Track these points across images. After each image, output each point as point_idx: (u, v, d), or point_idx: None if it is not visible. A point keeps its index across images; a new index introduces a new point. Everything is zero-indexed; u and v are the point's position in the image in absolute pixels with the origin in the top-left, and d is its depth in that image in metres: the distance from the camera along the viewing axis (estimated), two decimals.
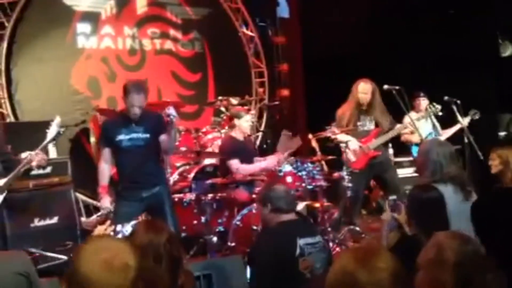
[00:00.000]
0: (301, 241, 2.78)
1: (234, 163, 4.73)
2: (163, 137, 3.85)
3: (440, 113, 5.34)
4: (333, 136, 5.12)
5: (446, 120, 5.60)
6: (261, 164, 4.81)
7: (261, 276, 2.78)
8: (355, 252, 1.50)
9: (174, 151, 4.40)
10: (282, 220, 2.95)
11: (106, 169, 3.90)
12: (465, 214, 2.85)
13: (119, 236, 2.34)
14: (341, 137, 5.10)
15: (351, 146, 5.07)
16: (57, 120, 3.64)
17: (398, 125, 5.24)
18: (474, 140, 5.17)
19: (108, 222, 2.40)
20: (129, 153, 3.80)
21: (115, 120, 4.01)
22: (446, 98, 5.33)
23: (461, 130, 5.43)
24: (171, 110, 3.75)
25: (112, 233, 2.35)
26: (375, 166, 5.14)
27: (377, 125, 5.17)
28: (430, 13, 6.87)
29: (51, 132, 3.61)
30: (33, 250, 4.29)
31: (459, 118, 5.36)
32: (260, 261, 2.86)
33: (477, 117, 5.54)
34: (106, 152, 3.90)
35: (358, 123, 5.12)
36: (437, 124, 5.70)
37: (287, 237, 2.82)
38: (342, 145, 5.14)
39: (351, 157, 5.07)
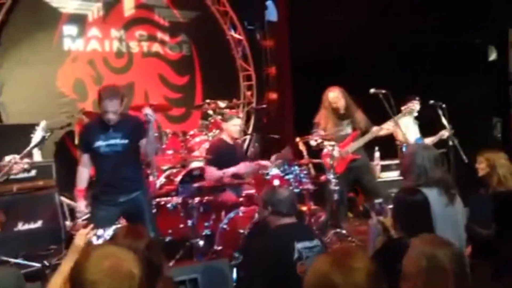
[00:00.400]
0: (299, 245, 2.78)
1: (209, 170, 4.81)
2: (143, 141, 3.83)
3: (415, 114, 5.43)
4: (322, 134, 5.17)
5: (431, 124, 5.64)
6: (234, 169, 4.79)
7: (257, 279, 2.76)
8: (331, 255, 1.52)
9: (154, 154, 4.35)
10: (280, 223, 2.95)
11: (84, 173, 3.88)
12: (450, 217, 2.89)
13: (100, 240, 2.32)
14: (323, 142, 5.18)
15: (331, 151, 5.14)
16: (43, 124, 3.59)
17: (375, 128, 5.29)
18: (459, 143, 5.21)
19: (91, 226, 2.38)
20: (107, 158, 3.78)
21: (94, 126, 3.98)
22: (431, 102, 5.37)
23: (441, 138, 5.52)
24: (147, 111, 3.74)
25: (94, 237, 2.33)
26: (354, 170, 5.24)
27: (354, 128, 5.26)
28: (419, 17, 6.92)
29: (36, 136, 3.55)
30: (4, 258, 4.20)
31: (444, 121, 5.39)
32: (256, 262, 2.84)
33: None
34: (85, 157, 3.90)
35: (336, 128, 5.22)
36: (415, 122, 5.78)
37: (285, 241, 2.82)
38: (326, 148, 5.19)
39: (331, 162, 5.13)
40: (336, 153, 5.14)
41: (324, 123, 5.24)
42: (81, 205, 3.82)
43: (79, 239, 2.33)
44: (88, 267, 1.45)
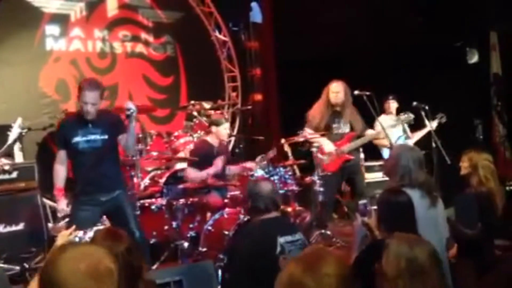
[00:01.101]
0: (281, 239, 2.77)
1: (188, 171, 4.80)
2: (123, 136, 3.76)
3: (412, 123, 5.44)
4: (309, 136, 5.13)
5: (414, 125, 5.71)
6: (209, 170, 4.79)
7: (240, 274, 2.75)
8: (302, 259, 1.51)
9: (134, 148, 4.20)
10: (262, 217, 2.94)
11: (61, 171, 3.78)
12: (432, 219, 2.92)
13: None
14: (314, 137, 5.11)
15: (326, 148, 5.07)
16: (19, 121, 3.55)
17: (371, 132, 5.28)
18: (442, 144, 5.27)
19: (73, 227, 2.35)
20: (86, 155, 3.69)
21: (72, 121, 3.84)
22: (414, 103, 5.43)
23: (428, 134, 5.54)
24: (130, 105, 3.68)
25: (76, 239, 2.30)
26: (347, 169, 5.19)
27: (351, 128, 5.19)
28: (402, 20, 6.98)
29: (13, 133, 3.52)
30: None
31: (427, 122, 5.46)
32: (240, 259, 2.83)
33: (444, 120, 5.66)
34: (62, 154, 3.78)
35: (333, 125, 5.13)
36: (407, 128, 5.81)
37: (267, 235, 2.81)
38: (314, 149, 5.17)
39: (325, 160, 5.07)
40: (331, 149, 5.04)
41: (318, 119, 5.11)
42: (62, 204, 3.72)
43: (61, 241, 2.30)
44: (64, 270, 1.39)
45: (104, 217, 4.13)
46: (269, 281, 2.62)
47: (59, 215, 3.80)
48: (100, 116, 3.70)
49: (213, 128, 4.97)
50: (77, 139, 3.69)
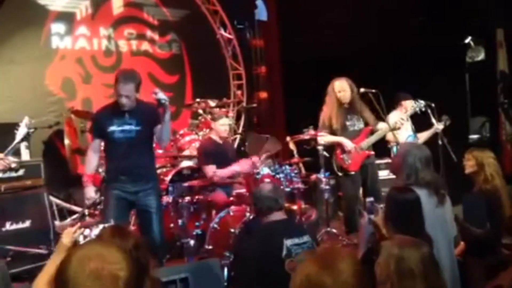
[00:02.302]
0: (288, 242, 2.77)
1: (209, 169, 4.74)
2: (157, 127, 3.76)
3: (424, 109, 5.29)
4: (320, 140, 4.96)
5: (421, 123, 5.68)
6: (235, 167, 4.78)
7: (247, 276, 2.75)
8: (317, 259, 1.50)
9: (168, 141, 4.08)
10: (269, 220, 2.94)
11: (93, 158, 3.83)
12: (439, 218, 2.90)
13: (88, 240, 2.29)
14: (333, 138, 4.94)
15: (347, 147, 4.91)
16: (26, 120, 3.55)
17: (384, 125, 5.04)
18: (448, 142, 5.25)
19: (78, 225, 2.34)
20: (120, 145, 3.68)
21: (108, 110, 3.84)
22: (419, 101, 5.39)
23: (435, 133, 5.51)
24: (160, 94, 3.62)
25: (81, 237, 2.29)
26: (365, 167, 4.98)
27: (366, 123, 5.03)
28: (406, 18, 6.95)
29: (20, 133, 3.51)
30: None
31: (434, 121, 5.42)
32: (246, 261, 2.83)
33: (449, 122, 5.61)
34: (96, 143, 3.84)
35: (347, 123, 4.96)
36: (413, 128, 5.77)
37: (274, 238, 2.81)
38: (320, 147, 5.11)
39: (346, 159, 4.94)
40: (351, 147, 4.87)
41: (330, 119, 4.93)
42: (90, 191, 3.76)
43: (66, 238, 2.29)
44: (70, 269, 1.39)
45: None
46: (275, 283, 2.64)
47: (87, 202, 3.81)
48: (137, 106, 3.70)
49: (212, 124, 5.01)
50: (112, 128, 3.70)
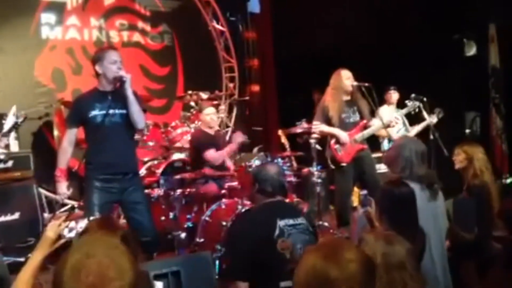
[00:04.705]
0: (281, 222, 2.74)
1: (211, 153, 4.73)
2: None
3: (417, 111, 5.28)
4: (315, 128, 4.94)
5: (412, 117, 5.69)
6: (226, 149, 4.81)
7: (239, 254, 2.74)
8: (321, 249, 1.49)
9: (142, 123, 3.64)
10: (265, 201, 2.91)
11: (68, 151, 3.53)
12: (432, 212, 2.91)
13: (72, 233, 2.23)
14: (328, 128, 4.88)
15: (342, 138, 4.84)
16: (14, 110, 3.46)
17: (377, 121, 4.99)
18: (439, 136, 5.26)
19: (62, 218, 2.29)
20: (104, 131, 3.43)
21: (89, 95, 3.57)
22: (413, 95, 5.40)
23: (426, 127, 5.52)
24: (121, 72, 3.43)
25: (66, 230, 2.24)
26: (360, 160, 4.93)
27: (362, 116, 4.97)
28: (400, 13, 6.94)
29: (8, 122, 3.41)
30: None
31: (426, 115, 5.44)
32: (239, 240, 2.81)
33: (441, 115, 5.63)
34: (72, 133, 3.54)
35: (343, 115, 4.90)
36: (406, 121, 5.78)
37: (266, 217, 2.78)
38: (312, 140, 5.10)
39: (339, 150, 4.87)
40: (346, 139, 4.81)
41: (335, 107, 4.82)
42: (63, 187, 3.50)
43: (50, 231, 2.23)
44: (66, 274, 1.32)
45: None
46: (267, 261, 2.64)
47: (59, 198, 3.55)
48: (119, 90, 3.47)
49: (200, 115, 4.99)
50: (94, 113, 3.44)
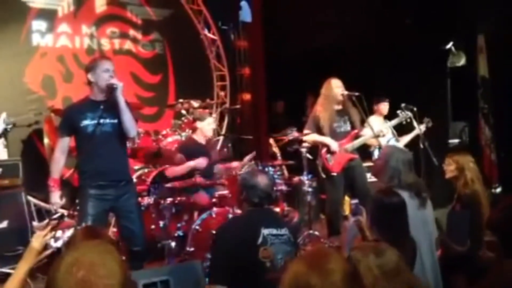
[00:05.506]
0: (265, 231, 2.74)
1: (172, 168, 4.74)
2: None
3: (409, 120, 5.34)
4: (305, 138, 4.99)
5: (402, 126, 5.73)
6: (190, 163, 4.74)
7: (221, 258, 2.73)
8: (306, 257, 1.52)
9: (134, 131, 3.67)
10: (252, 209, 2.91)
11: (61, 161, 3.54)
12: (421, 220, 2.94)
13: (59, 243, 2.22)
14: (318, 137, 4.92)
15: (333, 147, 4.88)
16: (3, 116, 3.45)
17: (368, 131, 5.06)
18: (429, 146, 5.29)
19: (49, 227, 2.27)
20: (96, 141, 3.43)
21: (80, 105, 3.59)
22: (403, 105, 5.45)
23: (416, 136, 5.57)
24: (113, 80, 3.45)
25: (52, 240, 2.22)
26: (350, 170, 4.96)
27: (353, 126, 5.02)
28: (391, 21, 7.01)
29: None
30: None
31: (415, 124, 5.48)
32: (222, 245, 2.80)
33: (430, 124, 5.68)
34: (65, 142, 3.54)
35: (334, 124, 4.95)
36: (394, 131, 5.82)
37: (251, 224, 2.79)
38: (303, 149, 5.12)
39: (330, 159, 4.90)
40: (337, 148, 4.86)
41: (326, 116, 4.88)
42: (56, 197, 3.48)
43: (35, 242, 2.21)
44: (59, 278, 1.35)
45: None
46: (248, 269, 2.64)
47: (53, 208, 3.49)
48: (111, 100, 3.47)
49: (198, 124, 4.97)
50: (86, 122, 3.46)
